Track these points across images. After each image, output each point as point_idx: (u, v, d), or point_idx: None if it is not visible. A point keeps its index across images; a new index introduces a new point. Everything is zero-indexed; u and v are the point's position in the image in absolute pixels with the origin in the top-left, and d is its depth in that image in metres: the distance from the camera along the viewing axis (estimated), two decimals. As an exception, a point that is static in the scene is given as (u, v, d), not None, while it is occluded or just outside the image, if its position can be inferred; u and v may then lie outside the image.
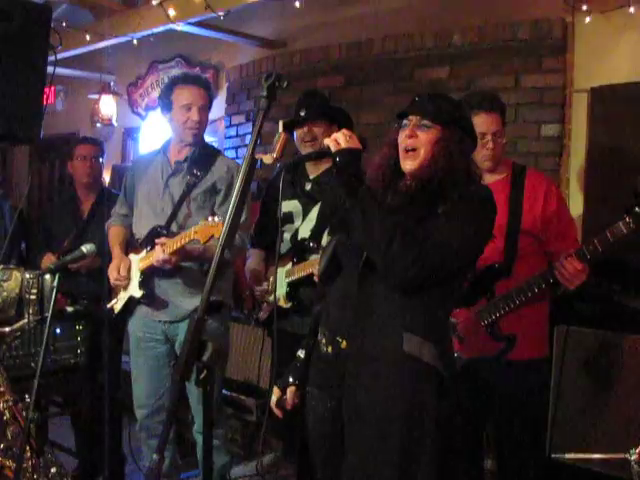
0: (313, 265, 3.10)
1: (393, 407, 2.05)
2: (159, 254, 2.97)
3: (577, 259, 2.64)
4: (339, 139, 2.12)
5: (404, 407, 2.04)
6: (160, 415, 3.29)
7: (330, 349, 2.17)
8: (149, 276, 3.17)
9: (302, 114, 3.26)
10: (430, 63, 4.23)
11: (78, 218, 3.96)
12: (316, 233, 3.21)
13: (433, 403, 2.04)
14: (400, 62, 4.38)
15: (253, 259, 3.50)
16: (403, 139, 2.16)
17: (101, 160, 4.10)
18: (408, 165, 2.14)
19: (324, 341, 2.20)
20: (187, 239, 2.89)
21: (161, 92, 3.31)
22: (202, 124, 3.22)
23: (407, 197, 2.14)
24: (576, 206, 3.72)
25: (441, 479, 2.04)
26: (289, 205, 3.33)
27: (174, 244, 2.96)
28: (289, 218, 3.33)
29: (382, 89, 4.46)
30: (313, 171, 3.33)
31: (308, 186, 3.32)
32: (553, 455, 2.57)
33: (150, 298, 3.17)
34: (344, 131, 2.16)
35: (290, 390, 2.32)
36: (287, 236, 3.33)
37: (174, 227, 3.14)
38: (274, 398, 2.34)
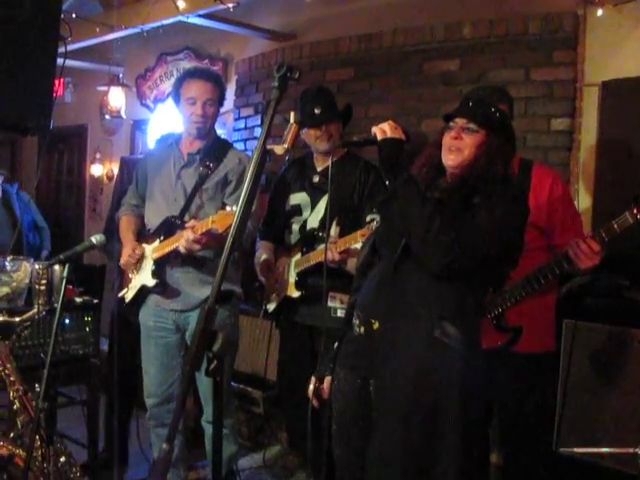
0: (321, 254, 3.15)
1: (419, 391, 2.11)
2: (189, 235, 2.95)
3: (594, 240, 2.65)
4: (385, 128, 2.22)
5: (430, 391, 2.10)
6: (170, 404, 3.31)
7: (363, 330, 2.24)
8: (162, 265, 3.19)
9: (317, 112, 3.30)
10: (440, 56, 4.22)
11: None
12: (324, 223, 3.23)
13: (459, 389, 2.10)
14: (410, 55, 4.37)
15: (262, 250, 3.52)
16: (448, 140, 2.25)
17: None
18: (450, 160, 2.23)
19: (357, 322, 2.27)
20: (204, 228, 2.89)
21: (173, 85, 3.34)
22: (207, 118, 3.22)
23: (445, 191, 2.23)
24: (585, 200, 3.71)
25: (464, 464, 2.09)
26: (297, 197, 3.39)
27: (201, 227, 2.96)
28: (297, 210, 3.38)
29: (391, 82, 4.45)
30: (320, 164, 3.38)
31: (316, 178, 3.38)
32: (561, 449, 2.57)
33: (162, 287, 3.19)
34: (390, 122, 2.24)
35: (327, 380, 2.38)
36: (296, 227, 3.38)
37: (187, 217, 3.16)
38: (311, 387, 2.41)
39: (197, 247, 2.98)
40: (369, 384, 2.24)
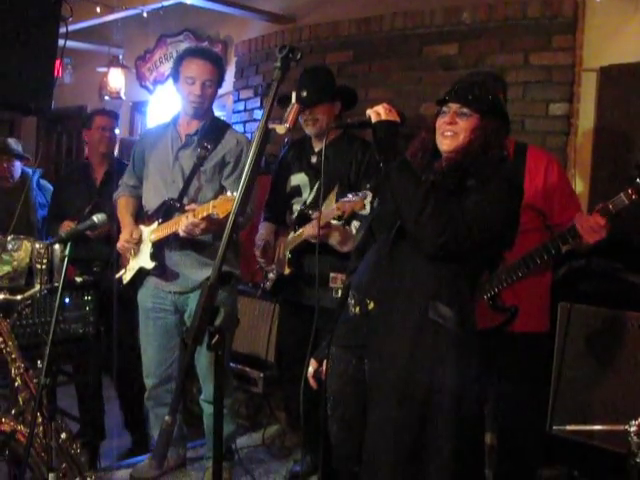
0: (305, 232, 3.19)
1: (413, 371, 2.13)
2: (190, 219, 2.96)
3: (600, 215, 2.68)
4: (380, 111, 2.22)
5: (424, 371, 2.13)
6: (168, 384, 3.36)
7: (357, 310, 2.27)
8: (160, 248, 3.21)
9: (304, 95, 3.30)
10: (439, 40, 4.22)
11: (92, 186, 4.09)
12: (316, 202, 3.25)
13: (454, 368, 2.13)
14: (409, 38, 4.37)
15: (262, 231, 3.55)
16: (442, 124, 2.26)
17: (116, 131, 4.30)
18: (445, 145, 2.25)
19: (353, 302, 2.30)
20: (205, 213, 2.91)
21: (173, 62, 3.33)
22: (204, 98, 3.22)
23: (440, 174, 2.23)
24: (582, 185, 3.73)
25: (458, 444, 2.12)
26: (297, 178, 3.43)
27: (202, 212, 2.98)
28: (297, 191, 3.41)
29: (391, 65, 4.46)
30: (318, 144, 3.40)
31: (314, 159, 3.41)
32: (554, 427, 2.61)
33: (161, 269, 3.21)
34: (384, 105, 2.25)
35: (327, 362, 2.39)
36: (296, 208, 3.41)
37: (185, 200, 3.18)
38: (311, 369, 2.44)
39: (197, 231, 3.00)
40: (364, 363, 2.28)
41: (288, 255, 3.36)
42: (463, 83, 2.35)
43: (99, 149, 4.13)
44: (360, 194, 2.88)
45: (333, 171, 3.23)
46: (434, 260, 2.14)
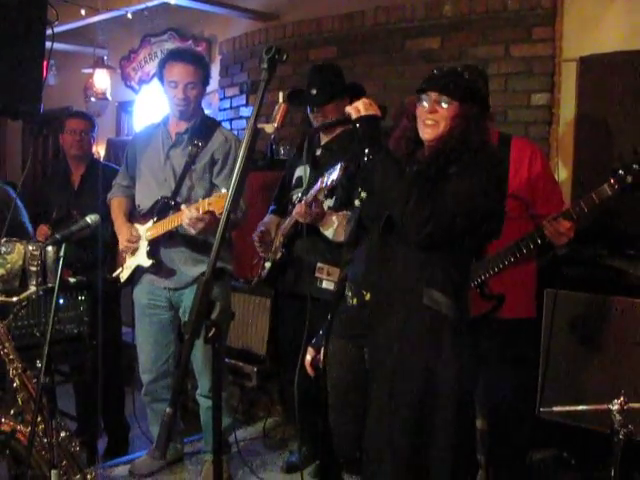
0: (294, 212, 3.23)
1: (413, 356, 2.19)
2: (193, 213, 2.97)
3: (564, 219, 2.77)
4: (359, 107, 2.24)
5: (423, 356, 2.19)
6: (165, 380, 3.41)
7: (355, 301, 2.33)
8: (156, 246, 3.25)
9: (313, 93, 3.34)
10: (421, 34, 4.28)
11: (69, 188, 4.10)
12: (307, 190, 3.30)
13: (450, 352, 2.19)
14: (392, 33, 4.43)
15: (267, 220, 3.60)
16: (423, 113, 2.28)
17: (93, 134, 4.24)
18: (427, 134, 2.27)
19: (350, 294, 2.36)
20: (202, 209, 2.94)
21: (157, 66, 3.36)
22: (188, 101, 3.24)
23: (423, 164, 2.27)
24: (565, 173, 3.80)
25: (459, 424, 2.20)
26: (300, 170, 3.48)
27: (201, 207, 2.99)
28: (299, 182, 3.46)
29: (374, 60, 4.51)
30: (325, 137, 3.45)
31: (318, 152, 3.45)
32: (542, 409, 2.68)
33: (157, 267, 3.26)
34: (364, 100, 2.27)
35: (324, 350, 2.44)
36: (296, 198, 3.44)
37: (178, 199, 3.22)
38: (308, 357, 2.49)
39: (201, 225, 3.00)
40: (364, 352, 2.34)
41: (282, 239, 3.42)
42: (441, 71, 2.36)
43: (71, 152, 4.13)
44: (338, 165, 2.91)
45: (335, 163, 3.28)
46: (422, 249, 2.19)
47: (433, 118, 2.25)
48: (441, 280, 2.21)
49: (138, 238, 3.28)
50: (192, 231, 3.05)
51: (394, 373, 2.21)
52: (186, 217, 3.01)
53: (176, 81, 3.21)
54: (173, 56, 3.28)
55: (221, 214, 2.77)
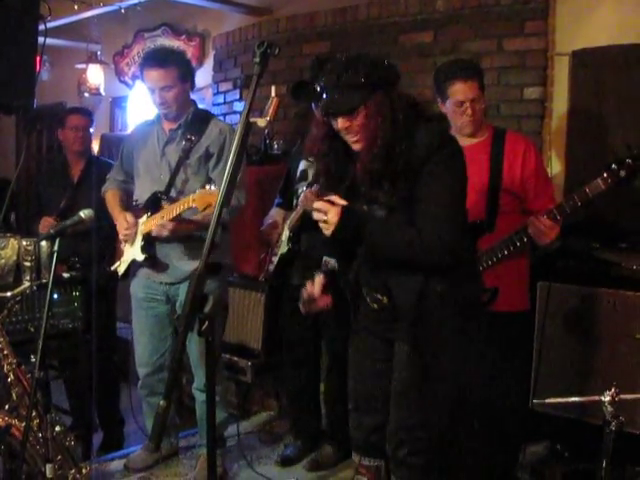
0: (300, 202, 3.29)
1: (438, 340, 2.30)
2: (157, 220, 3.06)
3: (547, 218, 2.79)
4: (326, 223, 2.20)
5: (446, 338, 2.30)
6: (161, 374, 3.43)
7: (376, 306, 2.39)
8: (151, 240, 3.26)
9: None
10: (414, 28, 4.28)
11: (69, 183, 4.12)
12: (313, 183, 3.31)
13: (463, 330, 2.32)
14: (385, 27, 4.43)
15: (273, 213, 3.62)
16: (341, 131, 2.24)
17: (91, 129, 4.32)
18: (358, 147, 2.26)
19: (369, 299, 2.41)
20: (186, 206, 2.97)
21: (138, 71, 3.36)
22: (167, 104, 3.23)
23: (385, 203, 2.24)
24: (557, 168, 3.81)
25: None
26: (305, 164, 3.47)
27: (172, 211, 3.05)
28: (304, 175, 3.45)
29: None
30: None
31: None
32: (535, 401, 2.70)
33: (152, 261, 3.27)
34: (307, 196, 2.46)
35: (319, 278, 2.51)
36: (301, 191, 3.44)
37: (173, 192, 3.23)
38: (317, 286, 2.50)
39: (165, 232, 3.10)
40: (391, 345, 2.41)
41: (288, 233, 3.44)
42: (328, 86, 2.24)
43: (73, 148, 4.17)
44: None
45: None
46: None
47: (352, 133, 2.22)
48: (454, 271, 2.28)
49: (134, 224, 3.28)
50: (162, 235, 3.13)
51: (429, 360, 2.30)
52: (154, 224, 3.10)
53: (151, 87, 3.22)
54: (145, 62, 3.27)
55: (204, 210, 2.84)
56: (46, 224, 3.88)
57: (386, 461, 2.55)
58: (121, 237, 3.35)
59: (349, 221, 2.18)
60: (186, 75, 3.29)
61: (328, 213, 2.18)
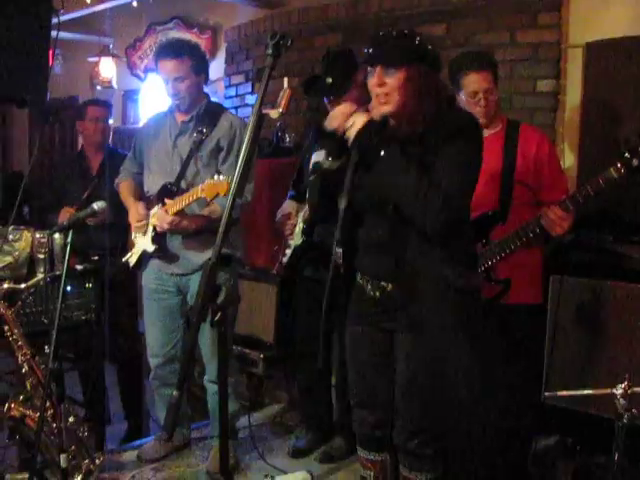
0: None
1: (448, 332, 2.29)
2: (161, 214, 3.09)
3: (560, 208, 2.78)
4: (352, 126, 2.22)
5: (458, 329, 2.29)
6: (173, 364, 3.45)
7: (378, 294, 2.36)
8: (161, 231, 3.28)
9: (328, 82, 3.32)
10: (427, 20, 4.26)
11: (88, 176, 4.13)
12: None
13: (474, 319, 2.32)
14: (397, 20, 4.41)
15: (286, 206, 3.62)
16: (373, 87, 2.26)
17: (110, 121, 4.33)
18: (384, 109, 2.25)
19: (369, 287, 2.38)
20: (195, 197, 3.00)
21: (153, 62, 3.39)
22: (180, 94, 3.25)
23: (403, 144, 2.24)
24: (570, 161, 3.79)
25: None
26: (317, 156, 3.46)
27: (182, 202, 3.06)
28: (316, 167, 3.45)
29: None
30: None
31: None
32: (546, 394, 2.70)
33: (162, 252, 3.28)
34: (341, 109, 2.27)
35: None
36: None
37: (183, 184, 3.24)
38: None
39: (166, 226, 3.14)
40: (391, 337, 2.40)
41: (302, 226, 3.45)
42: (380, 38, 2.30)
43: (94, 140, 4.18)
44: None
45: None
46: (438, 238, 2.21)
47: (383, 91, 2.23)
48: (456, 256, 2.28)
49: (146, 215, 3.30)
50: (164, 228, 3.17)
51: (432, 352, 2.29)
52: (156, 217, 3.12)
53: (165, 78, 3.24)
54: (159, 53, 3.30)
55: (212, 200, 2.86)
56: (66, 214, 3.90)
57: (391, 455, 2.55)
58: (133, 228, 3.37)
59: (373, 127, 2.20)
60: (200, 67, 3.30)
61: (356, 115, 2.22)
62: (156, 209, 3.26)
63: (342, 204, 2.34)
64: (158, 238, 3.26)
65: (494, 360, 3.04)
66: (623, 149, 2.72)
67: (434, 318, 2.27)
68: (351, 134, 2.22)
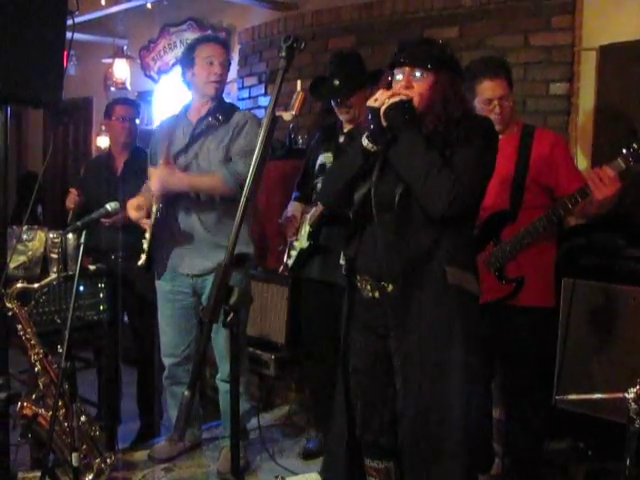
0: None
1: (447, 334, 2.25)
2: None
3: (609, 167, 2.66)
4: (381, 98, 2.23)
5: (457, 331, 2.24)
6: (187, 364, 3.46)
7: (377, 294, 2.34)
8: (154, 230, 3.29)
9: (335, 84, 3.33)
10: (440, 23, 4.26)
11: (113, 176, 4.12)
12: None
13: (477, 323, 2.30)
14: (410, 22, 4.42)
15: (291, 208, 3.63)
16: (399, 89, 2.26)
17: (137, 121, 4.29)
18: (406, 93, 2.25)
19: (369, 287, 2.36)
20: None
21: (183, 52, 3.43)
22: (223, 78, 3.33)
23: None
24: (583, 164, 3.78)
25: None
26: (324, 157, 3.49)
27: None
28: (323, 169, 3.46)
29: (393, 49, 4.46)
30: (347, 125, 3.45)
31: (341, 139, 3.45)
32: (557, 397, 2.69)
33: (178, 254, 3.33)
34: (382, 91, 2.26)
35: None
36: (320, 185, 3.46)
37: (191, 153, 3.30)
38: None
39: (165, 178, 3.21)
40: (388, 341, 2.35)
41: (308, 228, 3.45)
42: (410, 44, 2.35)
43: (120, 139, 4.17)
44: None
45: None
46: (443, 221, 2.21)
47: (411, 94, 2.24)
48: (460, 257, 2.28)
49: (142, 206, 3.30)
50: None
51: (428, 355, 2.26)
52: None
53: (213, 57, 3.28)
54: (205, 38, 3.43)
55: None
56: (73, 198, 4.01)
57: (395, 462, 2.48)
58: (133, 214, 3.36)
59: (407, 104, 2.21)
60: (229, 67, 3.39)
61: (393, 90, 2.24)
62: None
63: (360, 192, 2.36)
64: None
65: (506, 363, 3.06)
66: (631, 139, 2.70)
67: (434, 318, 2.25)
68: (384, 103, 2.22)
